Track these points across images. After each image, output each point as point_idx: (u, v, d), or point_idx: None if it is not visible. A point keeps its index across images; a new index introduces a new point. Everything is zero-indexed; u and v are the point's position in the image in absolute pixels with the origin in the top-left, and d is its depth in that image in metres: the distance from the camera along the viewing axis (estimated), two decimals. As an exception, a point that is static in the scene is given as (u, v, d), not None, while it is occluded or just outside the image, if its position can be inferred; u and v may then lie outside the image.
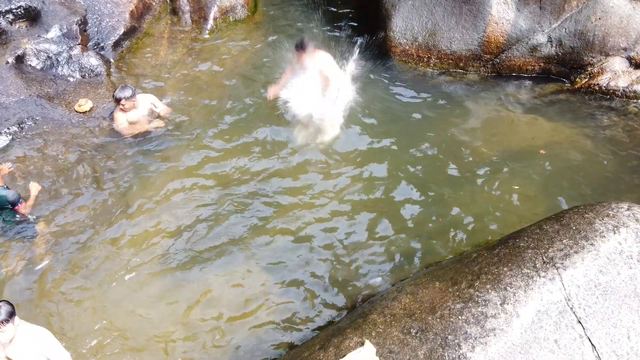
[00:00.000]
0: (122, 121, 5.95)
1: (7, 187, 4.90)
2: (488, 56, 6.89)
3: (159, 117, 6.16)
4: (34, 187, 5.10)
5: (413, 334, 3.17)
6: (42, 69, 6.55)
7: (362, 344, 3.19)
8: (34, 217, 5.03)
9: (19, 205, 4.84)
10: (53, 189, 5.37)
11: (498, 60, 6.90)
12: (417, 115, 6.37)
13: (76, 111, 6.27)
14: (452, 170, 5.65)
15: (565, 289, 3.06)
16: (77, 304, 4.42)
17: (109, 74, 6.82)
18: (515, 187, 5.35)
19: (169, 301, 4.46)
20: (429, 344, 3.05)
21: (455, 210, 5.18)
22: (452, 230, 4.98)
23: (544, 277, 3.13)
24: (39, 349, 3.67)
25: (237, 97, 6.60)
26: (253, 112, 6.39)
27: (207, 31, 7.76)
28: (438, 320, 3.17)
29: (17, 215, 4.93)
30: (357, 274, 4.64)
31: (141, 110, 5.99)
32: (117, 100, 5.80)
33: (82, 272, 4.67)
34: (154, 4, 7.95)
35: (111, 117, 6.09)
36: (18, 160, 5.58)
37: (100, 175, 5.58)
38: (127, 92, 5.78)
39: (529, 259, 3.31)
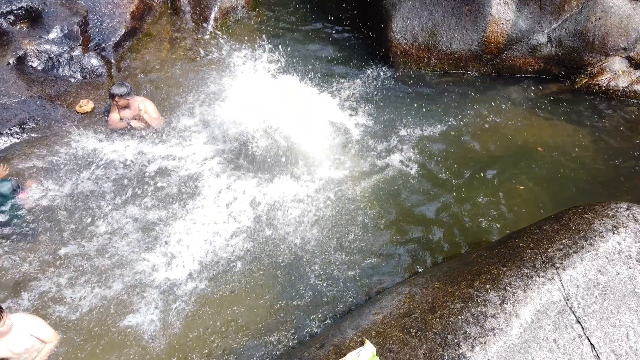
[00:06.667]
0: (115, 119, 6.00)
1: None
2: (488, 56, 6.89)
3: (145, 122, 6.06)
4: (30, 183, 5.20)
5: (413, 333, 3.18)
6: (43, 69, 6.57)
7: (362, 343, 3.20)
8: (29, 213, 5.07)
9: (22, 192, 4.90)
10: (53, 189, 5.38)
11: (498, 61, 6.90)
12: (417, 116, 6.39)
13: (77, 112, 6.29)
14: (452, 170, 5.67)
15: (564, 289, 3.07)
16: (74, 302, 4.44)
17: (110, 75, 6.84)
18: (521, 187, 5.38)
19: (168, 300, 4.48)
20: (428, 344, 3.06)
21: (456, 211, 5.20)
22: (452, 230, 5.00)
23: (543, 277, 3.14)
24: (26, 331, 3.82)
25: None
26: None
27: (208, 32, 7.78)
28: (437, 319, 3.18)
29: (21, 210, 4.95)
30: (357, 274, 4.65)
31: (132, 111, 6.03)
32: (112, 97, 5.85)
33: (82, 271, 4.69)
34: (154, 4, 7.96)
35: (107, 114, 6.14)
36: (19, 161, 5.59)
37: (101, 175, 5.60)
38: (123, 90, 5.83)
39: (528, 259, 3.32)
